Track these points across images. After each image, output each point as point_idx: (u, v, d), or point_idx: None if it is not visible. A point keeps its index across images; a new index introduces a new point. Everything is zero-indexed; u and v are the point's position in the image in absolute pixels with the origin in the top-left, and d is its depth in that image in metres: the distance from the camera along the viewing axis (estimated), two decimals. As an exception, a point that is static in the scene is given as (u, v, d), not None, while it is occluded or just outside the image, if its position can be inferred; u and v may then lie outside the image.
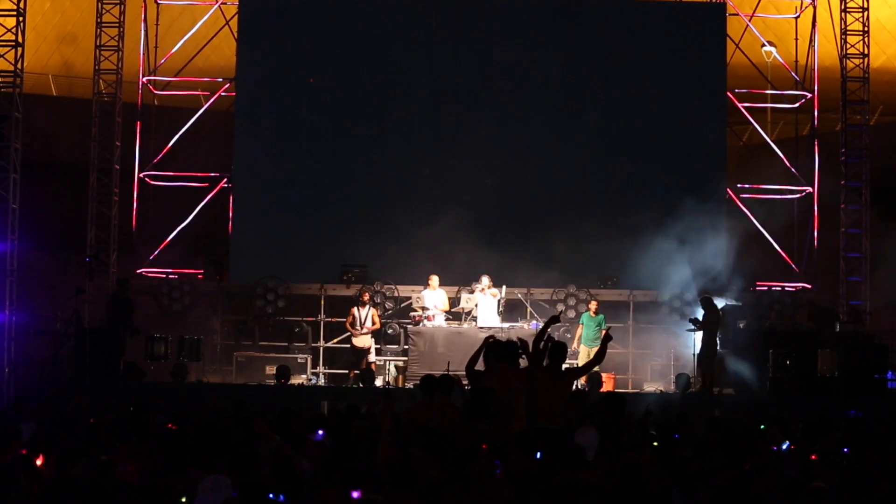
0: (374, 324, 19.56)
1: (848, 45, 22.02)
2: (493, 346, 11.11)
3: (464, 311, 19.55)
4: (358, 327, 19.43)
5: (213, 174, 22.31)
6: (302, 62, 22.06)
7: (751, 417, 14.03)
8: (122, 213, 22.16)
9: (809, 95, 22.65)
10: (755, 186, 22.58)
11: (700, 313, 19.27)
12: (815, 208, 22.26)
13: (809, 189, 22.38)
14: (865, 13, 21.93)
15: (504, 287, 19.54)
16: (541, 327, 12.42)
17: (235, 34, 22.60)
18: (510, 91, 22.07)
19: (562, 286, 20.82)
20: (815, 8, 22.59)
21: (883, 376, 19.26)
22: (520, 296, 20.36)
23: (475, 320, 19.27)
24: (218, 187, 22.23)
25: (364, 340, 19.52)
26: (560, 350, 11.08)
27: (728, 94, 22.34)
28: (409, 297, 20.65)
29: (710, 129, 22.11)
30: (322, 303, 21.19)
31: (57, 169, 23.33)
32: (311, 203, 21.57)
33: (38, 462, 7.95)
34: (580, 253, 20.81)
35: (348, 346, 19.96)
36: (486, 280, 19.36)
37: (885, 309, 21.51)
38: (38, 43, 23.46)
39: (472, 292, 19.61)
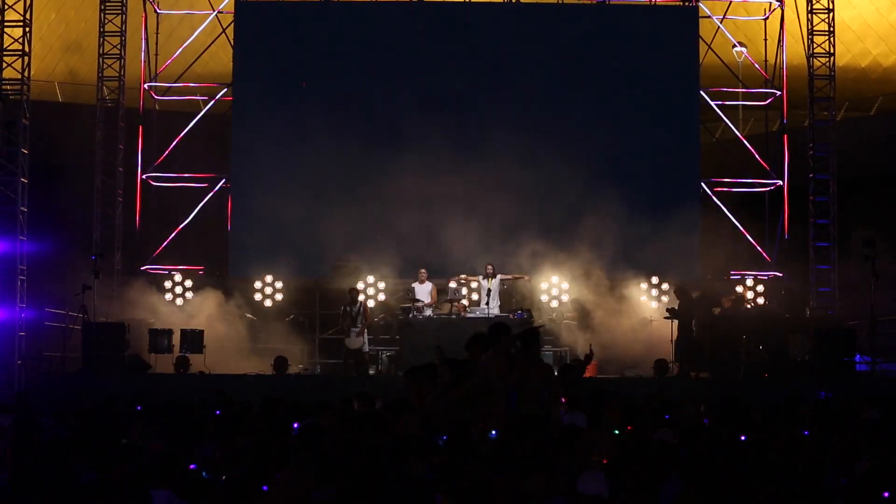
0: (366, 318, 20.33)
1: (815, 45, 22.78)
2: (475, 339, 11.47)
3: (452, 303, 20.32)
4: (354, 326, 20.07)
5: (212, 175, 22.93)
6: (295, 67, 22.65)
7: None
8: (125, 212, 22.81)
9: (778, 93, 23.34)
10: (728, 180, 23.30)
11: (676, 302, 19.96)
12: (786, 200, 22.99)
13: (779, 182, 23.06)
14: (831, 14, 22.72)
15: (499, 276, 20.45)
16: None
17: (232, 41, 23.21)
18: (495, 92, 22.75)
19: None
20: (782, 10, 23.29)
21: (851, 359, 19.96)
22: (506, 286, 21.17)
23: (487, 306, 19.92)
24: (217, 188, 22.90)
25: (356, 342, 20.13)
26: (531, 335, 11.57)
27: (701, 92, 23.00)
28: (401, 290, 21.42)
29: (684, 127, 22.78)
30: (317, 297, 21.97)
31: (63, 172, 23.89)
32: (306, 201, 22.13)
33: None
34: (559, 246, 21.55)
35: (343, 335, 20.51)
36: (489, 269, 20.31)
37: (852, 295, 22.20)
38: (44, 52, 23.92)
39: (458, 284, 20.47)
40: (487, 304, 20.00)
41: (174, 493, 6.84)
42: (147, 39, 23.37)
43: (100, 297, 20.80)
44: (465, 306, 20.32)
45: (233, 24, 23.09)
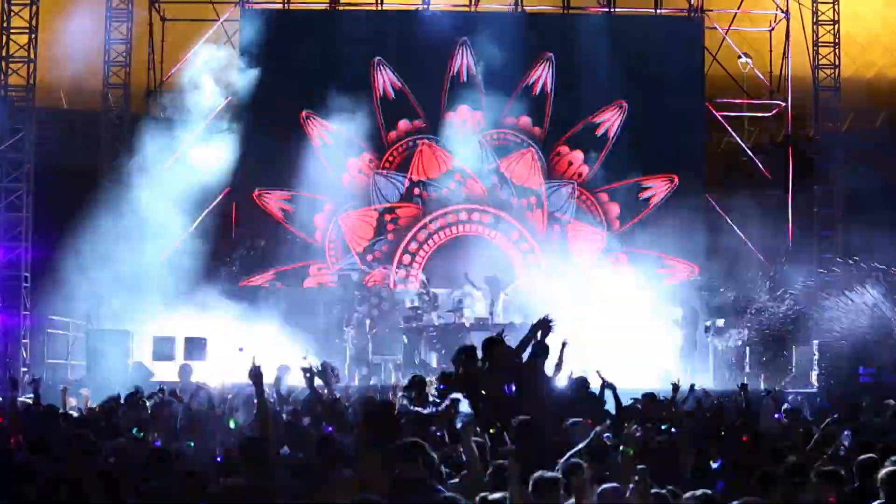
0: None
1: (820, 57, 22.89)
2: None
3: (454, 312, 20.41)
4: None
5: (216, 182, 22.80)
6: (300, 76, 22.72)
7: None
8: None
9: (783, 104, 23.47)
10: (732, 191, 23.28)
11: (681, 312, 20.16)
12: (790, 212, 23.04)
13: (784, 193, 23.16)
14: (836, 26, 22.81)
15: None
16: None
17: (237, 49, 23.17)
18: (500, 102, 22.84)
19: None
20: (788, 21, 23.41)
21: (855, 371, 20.00)
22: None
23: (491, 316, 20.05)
24: (222, 194, 22.86)
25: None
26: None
27: (706, 103, 23.14)
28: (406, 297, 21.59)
29: (689, 137, 22.94)
30: (321, 303, 21.99)
31: (68, 178, 23.94)
32: (308, 209, 22.46)
33: None
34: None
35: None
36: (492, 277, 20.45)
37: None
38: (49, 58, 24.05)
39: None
40: (492, 313, 20.06)
41: None
42: (152, 47, 23.41)
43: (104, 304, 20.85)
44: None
45: (238, 33, 23.11)
